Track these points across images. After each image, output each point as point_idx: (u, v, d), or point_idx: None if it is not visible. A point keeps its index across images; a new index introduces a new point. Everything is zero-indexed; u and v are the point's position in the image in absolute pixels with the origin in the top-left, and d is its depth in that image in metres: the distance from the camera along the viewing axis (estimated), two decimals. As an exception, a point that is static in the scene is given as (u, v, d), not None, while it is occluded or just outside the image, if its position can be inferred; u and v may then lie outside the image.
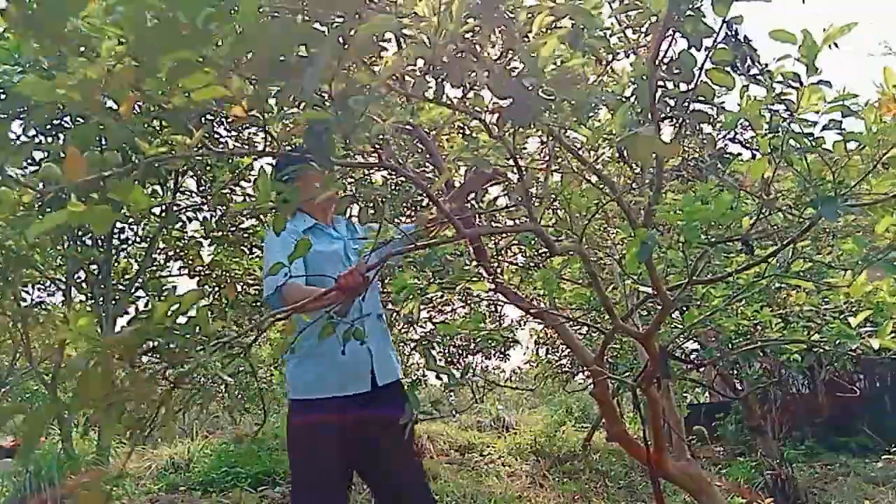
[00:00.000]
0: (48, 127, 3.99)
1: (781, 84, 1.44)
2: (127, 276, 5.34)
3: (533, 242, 2.94)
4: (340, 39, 1.03)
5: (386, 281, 3.60)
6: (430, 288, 1.91)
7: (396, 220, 2.44)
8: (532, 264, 3.81)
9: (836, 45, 1.31)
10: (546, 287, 2.57)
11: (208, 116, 3.95)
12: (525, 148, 3.04)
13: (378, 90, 1.20)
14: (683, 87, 1.40)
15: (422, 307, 5.61)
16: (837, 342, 2.14)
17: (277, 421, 6.94)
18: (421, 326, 6.13)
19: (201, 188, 5.09)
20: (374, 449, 2.17)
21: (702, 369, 6.06)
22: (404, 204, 4.16)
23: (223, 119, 4.43)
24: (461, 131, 3.19)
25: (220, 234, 5.18)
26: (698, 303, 2.81)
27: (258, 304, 5.26)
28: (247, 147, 4.79)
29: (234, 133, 4.68)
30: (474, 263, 2.41)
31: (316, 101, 1.42)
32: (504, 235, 3.71)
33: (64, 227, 0.94)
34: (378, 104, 1.23)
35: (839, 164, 1.53)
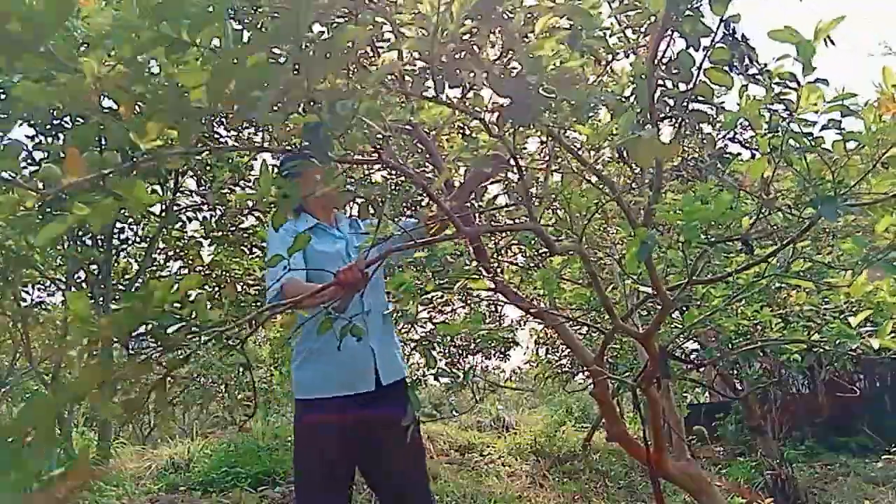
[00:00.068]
0: (48, 127, 3.99)
1: (780, 84, 1.44)
2: (127, 276, 5.35)
3: (533, 242, 2.94)
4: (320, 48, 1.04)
5: (386, 280, 3.58)
6: (429, 286, 1.91)
7: (396, 218, 2.43)
8: (532, 264, 3.81)
9: (832, 41, 1.32)
10: (546, 287, 2.58)
11: (208, 116, 3.95)
12: (525, 148, 3.04)
13: (368, 92, 1.21)
14: (682, 87, 1.40)
15: (422, 307, 5.61)
16: (837, 342, 2.14)
17: (277, 421, 6.94)
18: (421, 326, 6.13)
19: (201, 188, 5.09)
20: (376, 449, 2.17)
21: (702, 369, 6.06)
22: (404, 203, 4.16)
23: (223, 119, 4.43)
24: (461, 131, 3.19)
25: (220, 234, 5.18)
26: (698, 303, 2.81)
27: (258, 303, 5.26)
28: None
29: (233, 133, 4.68)
30: (474, 263, 2.41)
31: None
32: (504, 235, 3.71)
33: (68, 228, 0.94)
34: (372, 105, 1.23)
35: (839, 163, 1.53)
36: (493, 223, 3.29)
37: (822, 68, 1.37)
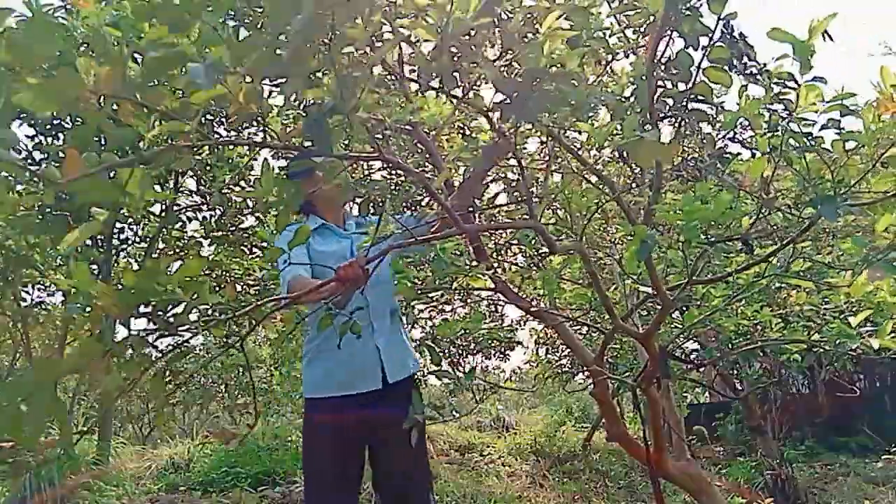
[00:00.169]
0: (48, 127, 3.99)
1: (779, 84, 1.44)
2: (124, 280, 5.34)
3: (533, 242, 2.94)
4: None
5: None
6: (429, 285, 1.91)
7: (397, 215, 2.43)
8: (532, 264, 3.81)
9: (830, 37, 1.32)
10: (546, 287, 2.58)
11: (208, 116, 3.96)
12: (525, 148, 3.04)
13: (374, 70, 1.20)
14: (682, 86, 1.40)
15: (423, 306, 5.61)
16: (837, 342, 2.14)
17: (277, 421, 6.94)
18: (422, 327, 6.13)
19: (201, 188, 5.09)
20: (378, 448, 2.17)
21: (702, 369, 6.06)
22: (404, 203, 4.16)
23: (223, 119, 4.43)
24: (461, 131, 3.19)
25: (221, 234, 5.18)
26: (698, 303, 2.81)
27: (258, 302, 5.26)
28: (247, 147, 4.80)
29: (233, 133, 4.68)
30: (474, 263, 2.41)
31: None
32: (504, 235, 3.71)
33: (64, 226, 0.94)
34: (372, 101, 1.23)
35: (838, 163, 1.53)
36: (493, 222, 3.29)
37: (821, 68, 1.37)
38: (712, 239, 1.75)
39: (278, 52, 0.98)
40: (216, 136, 4.37)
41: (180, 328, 1.07)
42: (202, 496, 4.49)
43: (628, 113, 1.49)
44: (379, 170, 4.25)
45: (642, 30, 1.89)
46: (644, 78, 1.39)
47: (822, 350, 2.69)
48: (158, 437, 7.82)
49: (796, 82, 1.39)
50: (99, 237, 4.81)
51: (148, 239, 5.23)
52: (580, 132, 2.60)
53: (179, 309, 1.05)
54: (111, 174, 0.95)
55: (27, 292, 5.05)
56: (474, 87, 1.88)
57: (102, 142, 1.16)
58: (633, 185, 2.64)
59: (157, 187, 4.71)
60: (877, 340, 1.99)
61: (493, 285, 2.32)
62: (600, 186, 2.09)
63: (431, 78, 1.42)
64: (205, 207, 5.12)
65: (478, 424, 8.01)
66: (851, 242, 1.78)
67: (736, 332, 3.17)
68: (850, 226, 3.24)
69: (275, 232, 1.69)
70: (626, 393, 5.66)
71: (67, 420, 4.82)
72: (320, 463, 2.15)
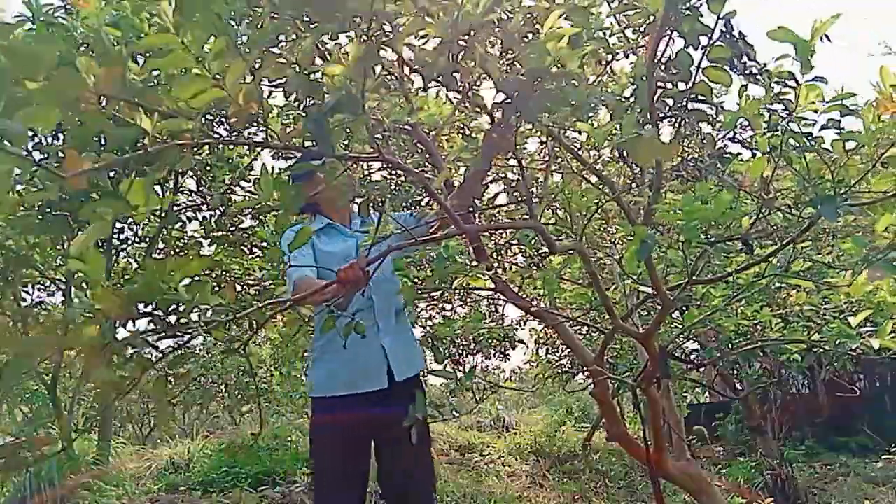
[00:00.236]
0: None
1: (780, 83, 1.44)
2: (127, 276, 5.34)
3: (533, 242, 2.94)
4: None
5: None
6: (429, 284, 1.91)
7: (396, 213, 2.43)
8: (532, 264, 3.81)
9: (828, 38, 1.32)
10: (546, 287, 2.58)
11: (208, 116, 3.95)
12: (525, 148, 3.04)
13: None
14: (682, 86, 1.40)
15: (423, 304, 5.61)
16: (837, 342, 2.14)
17: (277, 421, 6.94)
18: (422, 326, 6.13)
19: (201, 188, 5.09)
20: (384, 446, 2.17)
21: (702, 369, 6.06)
22: (404, 203, 4.16)
23: (223, 119, 4.43)
24: (461, 131, 3.19)
25: (221, 234, 5.17)
26: (698, 303, 2.81)
27: (258, 303, 5.26)
28: (247, 147, 4.80)
29: (234, 133, 4.67)
30: (474, 263, 2.41)
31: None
32: (504, 235, 3.71)
33: (64, 226, 0.94)
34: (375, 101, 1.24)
35: (838, 163, 1.53)
36: (492, 222, 3.29)
37: (821, 68, 1.37)
38: (712, 239, 1.75)
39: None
40: (216, 136, 4.36)
41: (181, 330, 1.07)
42: (202, 496, 4.49)
43: (627, 112, 1.48)
44: (379, 170, 4.25)
45: (642, 30, 1.89)
46: (644, 78, 1.39)
47: (822, 350, 2.69)
48: (158, 437, 7.82)
49: (797, 82, 1.39)
50: (99, 237, 4.81)
51: (148, 239, 5.23)
52: (580, 132, 2.60)
53: (180, 310, 1.05)
54: (110, 175, 0.95)
55: (27, 292, 5.05)
56: (474, 87, 1.88)
57: (102, 142, 1.16)
58: (633, 185, 2.64)
59: (158, 188, 4.71)
60: (877, 340, 1.99)
61: (493, 285, 2.33)
62: (600, 186, 2.09)
63: (433, 76, 1.42)
64: (205, 207, 5.11)
65: (478, 424, 8.01)
66: (851, 242, 1.78)
67: (736, 332, 3.17)
68: (850, 226, 3.24)
69: (275, 232, 1.69)
70: (626, 393, 5.66)
71: (67, 420, 4.82)
72: (326, 462, 2.16)
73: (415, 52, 1.47)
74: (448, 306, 5.97)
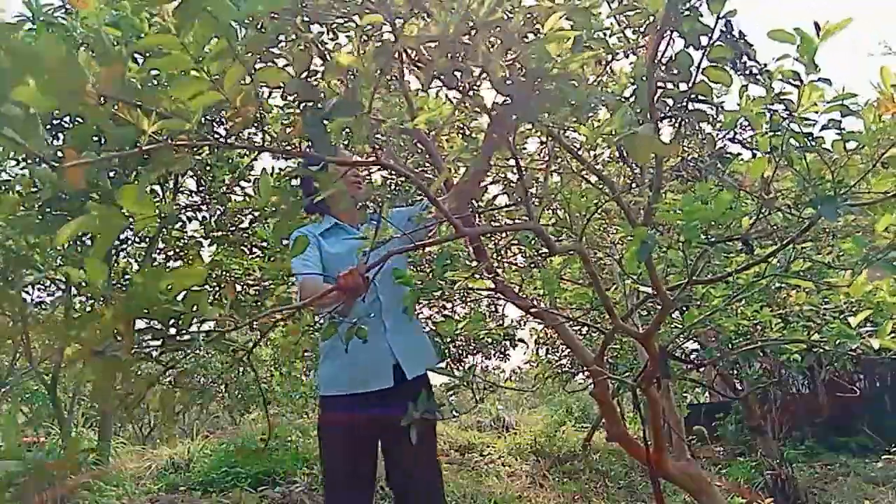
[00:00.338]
0: (48, 127, 3.99)
1: (782, 82, 1.44)
2: (127, 276, 5.34)
3: (533, 242, 2.94)
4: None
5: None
6: (429, 285, 1.91)
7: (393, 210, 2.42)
8: (532, 264, 3.81)
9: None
10: (546, 287, 2.58)
11: (207, 117, 3.95)
12: (525, 148, 3.04)
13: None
14: (682, 86, 1.40)
15: (423, 304, 5.60)
16: (837, 342, 2.14)
17: (277, 421, 6.94)
18: (423, 325, 6.12)
19: (201, 188, 5.09)
20: (388, 446, 2.17)
21: (702, 369, 6.05)
22: (404, 203, 4.16)
23: (223, 120, 4.43)
24: (461, 131, 3.19)
25: (221, 234, 5.17)
26: (698, 303, 2.81)
27: (258, 303, 5.26)
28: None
29: (233, 135, 4.67)
30: (474, 263, 2.41)
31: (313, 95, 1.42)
32: (504, 235, 3.71)
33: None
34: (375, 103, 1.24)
35: (838, 163, 1.53)
36: (492, 223, 3.29)
37: (821, 66, 1.37)
38: (712, 239, 1.75)
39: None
40: (216, 136, 4.37)
41: (182, 343, 1.07)
42: (202, 496, 4.49)
43: (624, 110, 1.48)
44: (378, 170, 4.24)
45: (642, 30, 1.89)
46: (644, 78, 1.39)
47: (822, 350, 2.69)
48: (158, 437, 7.83)
49: (801, 81, 1.39)
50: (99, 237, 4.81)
51: (148, 239, 5.23)
52: (579, 132, 2.60)
53: (180, 323, 1.05)
54: (110, 175, 0.95)
55: (27, 292, 5.05)
56: (475, 87, 1.87)
57: (102, 142, 1.16)
58: (633, 185, 2.64)
59: (158, 188, 4.71)
60: (877, 340, 1.99)
61: (493, 285, 2.33)
62: (600, 186, 2.09)
63: (432, 76, 1.42)
64: (205, 208, 5.11)
65: (478, 424, 8.01)
66: (851, 242, 1.78)
67: (736, 332, 3.17)
68: (850, 226, 3.24)
69: (273, 233, 1.70)
70: (626, 393, 5.65)
71: (67, 420, 4.82)
72: (334, 461, 2.17)
73: (416, 50, 1.47)
74: (448, 305, 5.97)
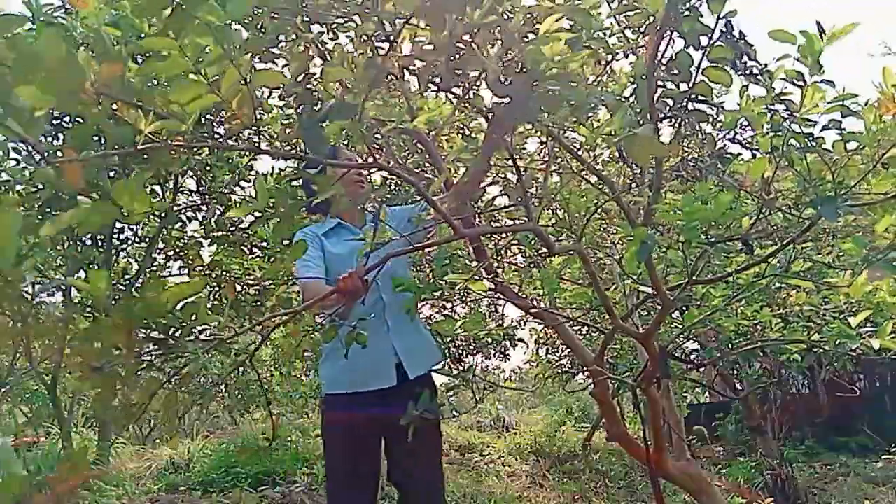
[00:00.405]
0: (48, 127, 3.99)
1: (784, 81, 1.43)
2: (127, 276, 5.34)
3: (533, 242, 2.94)
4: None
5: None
6: (429, 287, 1.91)
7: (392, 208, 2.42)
8: (532, 264, 3.81)
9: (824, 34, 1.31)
10: (546, 287, 2.57)
11: (207, 116, 3.95)
12: (525, 148, 3.04)
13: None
14: (682, 86, 1.40)
15: (422, 304, 5.60)
16: (837, 342, 2.14)
17: (277, 421, 6.93)
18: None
19: (201, 188, 5.09)
20: (392, 445, 2.17)
21: (702, 369, 6.05)
22: (404, 203, 4.16)
23: (222, 120, 4.43)
24: (461, 131, 3.19)
25: (220, 234, 5.17)
26: (698, 303, 2.81)
27: (258, 303, 5.26)
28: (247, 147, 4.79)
29: (232, 135, 4.67)
30: (474, 263, 2.41)
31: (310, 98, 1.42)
32: (504, 235, 3.71)
33: (66, 227, 0.94)
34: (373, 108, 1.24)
35: (839, 163, 1.53)
36: (492, 223, 3.28)
37: (825, 69, 1.37)
38: (712, 239, 1.75)
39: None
40: (216, 136, 4.36)
41: (183, 350, 1.07)
42: (202, 496, 4.49)
43: (624, 111, 1.48)
44: (378, 170, 4.24)
45: (642, 30, 1.89)
46: (644, 78, 1.38)
47: (822, 350, 2.69)
48: (158, 438, 7.82)
49: (804, 82, 1.39)
50: (99, 237, 4.81)
51: (148, 239, 5.23)
52: (578, 133, 2.60)
53: (179, 333, 1.05)
54: (110, 175, 0.95)
55: (27, 292, 5.04)
56: (474, 87, 1.87)
57: (102, 142, 1.16)
58: (633, 185, 2.64)
59: (158, 188, 4.70)
60: (877, 341, 1.99)
61: (493, 286, 2.33)
62: (600, 186, 2.09)
63: (429, 79, 1.42)
64: (205, 208, 5.11)
65: (478, 424, 8.01)
66: (851, 243, 1.77)
67: (736, 332, 3.17)
68: (851, 226, 3.24)
69: (272, 234, 1.71)
70: (626, 393, 5.66)
71: (66, 420, 4.82)
72: (336, 460, 2.17)
73: (414, 52, 1.47)
74: (448, 305, 5.97)
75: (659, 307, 1.95)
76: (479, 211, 2.71)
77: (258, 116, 1.07)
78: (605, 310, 2.00)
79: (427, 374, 2.22)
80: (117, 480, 4.51)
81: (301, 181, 2.07)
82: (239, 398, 7.78)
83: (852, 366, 6.09)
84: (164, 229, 5.08)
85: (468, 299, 5.47)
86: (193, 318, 1.05)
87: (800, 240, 1.71)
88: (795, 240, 1.70)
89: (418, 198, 4.23)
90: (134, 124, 0.97)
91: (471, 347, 6.71)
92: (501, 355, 7.26)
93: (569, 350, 5.07)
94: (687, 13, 1.29)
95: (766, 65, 1.46)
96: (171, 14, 0.89)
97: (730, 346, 3.55)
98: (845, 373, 6.22)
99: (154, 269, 5.47)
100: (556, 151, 2.61)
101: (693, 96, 1.39)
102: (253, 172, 4.95)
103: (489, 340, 6.37)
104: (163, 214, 4.93)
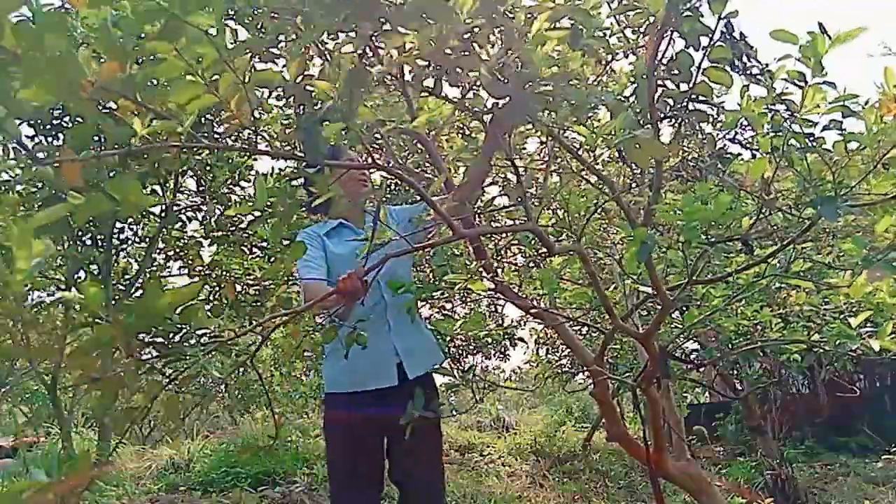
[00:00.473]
0: (48, 127, 3.99)
1: (785, 82, 1.43)
2: (127, 276, 5.34)
3: (533, 242, 2.94)
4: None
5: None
6: (429, 287, 1.91)
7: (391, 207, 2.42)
8: (532, 264, 3.81)
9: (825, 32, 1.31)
10: (546, 287, 2.57)
11: (207, 116, 3.95)
12: (525, 148, 3.04)
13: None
14: (682, 86, 1.40)
15: (422, 303, 5.60)
16: (837, 342, 2.14)
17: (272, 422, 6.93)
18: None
19: (201, 188, 5.09)
20: (393, 445, 2.17)
21: (702, 369, 6.05)
22: (403, 203, 4.16)
23: (222, 120, 4.42)
24: (461, 131, 3.19)
25: (220, 234, 5.17)
26: (698, 303, 2.80)
27: (258, 303, 5.26)
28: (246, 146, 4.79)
29: (231, 134, 4.66)
30: (474, 263, 2.41)
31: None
32: (504, 235, 3.71)
33: (64, 226, 0.94)
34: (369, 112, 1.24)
35: (839, 164, 1.53)
36: (492, 223, 3.28)
37: (827, 69, 1.36)
38: (712, 239, 1.75)
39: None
40: (215, 136, 4.36)
41: (183, 353, 1.07)
42: (202, 496, 4.49)
43: (625, 111, 1.48)
44: (379, 170, 4.23)
45: (642, 30, 1.89)
46: (644, 78, 1.38)
47: (822, 350, 2.69)
48: (158, 438, 7.82)
49: (806, 82, 1.39)
50: (99, 237, 4.81)
51: (148, 239, 5.23)
52: (578, 133, 2.60)
53: (178, 337, 1.05)
54: (110, 175, 0.95)
55: (27, 292, 5.04)
56: (473, 88, 1.87)
57: (102, 142, 1.16)
58: (633, 185, 2.64)
59: (157, 188, 4.70)
60: (877, 341, 1.99)
61: (493, 286, 2.32)
62: (600, 186, 2.08)
63: (422, 84, 1.42)
64: (204, 208, 5.11)
65: (478, 424, 8.01)
66: (851, 243, 1.77)
67: (736, 332, 3.17)
68: (851, 226, 3.24)
69: (272, 234, 1.70)
70: (626, 393, 5.65)
71: (66, 420, 4.82)
72: (338, 460, 2.18)
73: (410, 54, 1.47)
74: (448, 305, 5.97)
75: (659, 307, 1.95)
76: (478, 211, 2.70)
77: (257, 116, 1.08)
78: (605, 310, 2.00)
79: (428, 374, 2.21)
80: (117, 480, 4.51)
81: (303, 180, 2.07)
82: (239, 398, 7.78)
83: (852, 366, 6.09)
84: (164, 229, 5.08)
85: (468, 299, 5.47)
86: (191, 323, 1.05)
87: (800, 240, 1.71)
88: (795, 240, 1.70)
89: (419, 197, 4.23)
90: (131, 124, 0.97)
91: (471, 347, 6.71)
92: (501, 355, 7.25)
93: (569, 350, 5.07)
94: (687, 13, 1.29)
95: (766, 65, 1.46)
96: (164, 24, 0.89)
97: (730, 346, 3.55)
98: (845, 373, 6.22)
99: (154, 269, 5.47)
100: (555, 151, 2.61)
101: (693, 96, 1.40)
102: (253, 172, 4.95)
103: (489, 340, 6.36)
104: (163, 214, 4.93)
